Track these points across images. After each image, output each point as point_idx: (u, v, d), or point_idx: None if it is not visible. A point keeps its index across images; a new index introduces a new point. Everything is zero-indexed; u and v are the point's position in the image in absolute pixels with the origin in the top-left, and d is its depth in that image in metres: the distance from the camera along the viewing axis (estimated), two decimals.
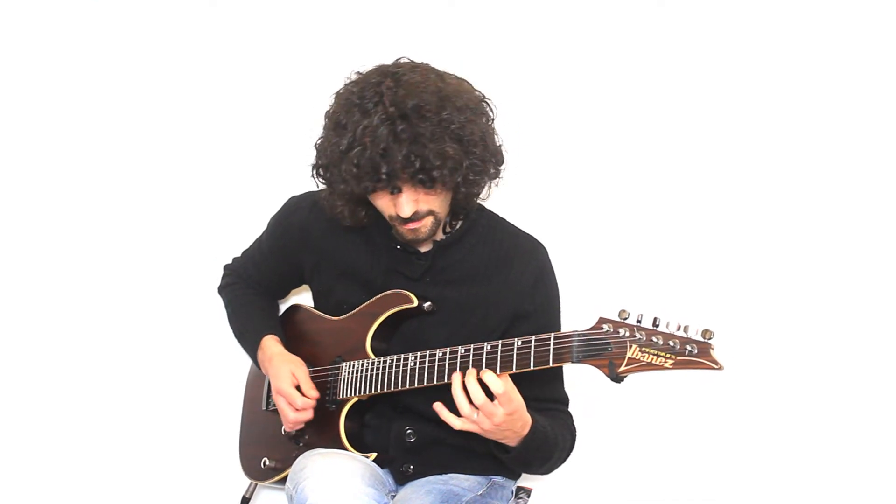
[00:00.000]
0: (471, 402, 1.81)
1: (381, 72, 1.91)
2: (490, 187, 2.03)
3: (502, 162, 2.01)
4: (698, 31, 2.58)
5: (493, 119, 2.00)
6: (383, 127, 1.83)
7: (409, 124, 1.83)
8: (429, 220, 1.96)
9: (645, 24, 2.59)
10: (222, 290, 2.40)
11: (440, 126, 1.84)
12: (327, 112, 1.98)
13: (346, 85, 1.96)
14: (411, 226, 1.96)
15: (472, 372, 1.83)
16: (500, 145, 2.01)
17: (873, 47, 2.54)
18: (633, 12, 2.59)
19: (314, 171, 2.02)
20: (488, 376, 1.80)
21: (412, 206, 1.91)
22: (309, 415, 2.11)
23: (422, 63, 1.97)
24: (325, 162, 1.96)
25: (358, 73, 1.96)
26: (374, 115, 1.84)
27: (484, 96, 2.00)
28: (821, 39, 2.55)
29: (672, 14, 2.58)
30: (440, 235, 2.07)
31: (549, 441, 1.95)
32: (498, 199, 2.13)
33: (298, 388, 2.11)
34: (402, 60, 1.97)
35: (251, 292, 2.34)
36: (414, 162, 1.83)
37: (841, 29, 2.54)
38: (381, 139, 1.83)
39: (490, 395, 1.81)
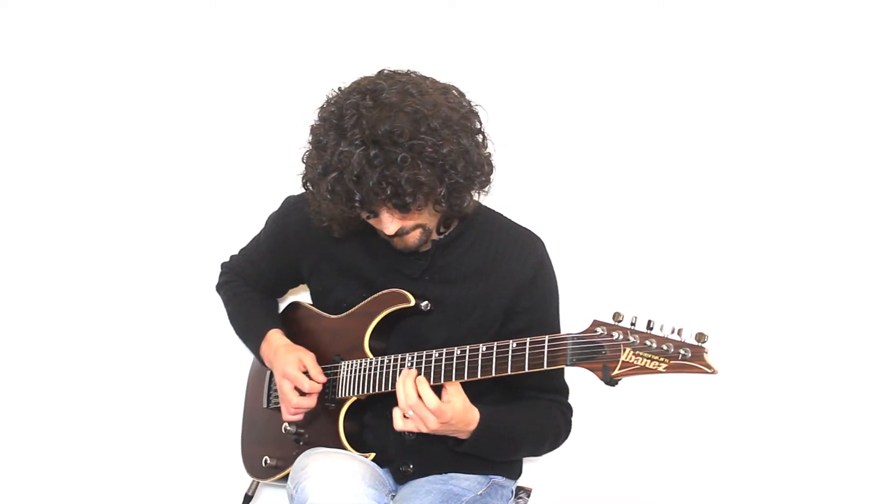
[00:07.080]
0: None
1: (360, 89, 1.88)
2: (479, 195, 2.01)
3: (491, 171, 1.98)
4: (698, 31, 2.57)
5: (480, 129, 1.96)
6: (357, 152, 1.81)
7: (382, 150, 1.81)
8: (417, 233, 1.96)
9: (645, 24, 2.58)
10: (220, 287, 2.40)
11: (412, 151, 1.82)
12: (311, 126, 1.96)
13: (327, 101, 1.93)
14: (398, 240, 1.97)
15: (411, 374, 1.89)
16: (488, 155, 1.98)
17: (873, 47, 2.53)
18: (633, 12, 2.58)
19: (302, 183, 2.02)
20: (423, 388, 1.87)
21: (395, 226, 1.92)
22: (312, 402, 2.11)
23: (405, 74, 1.93)
24: (308, 179, 1.97)
25: (339, 88, 1.93)
26: (350, 138, 1.82)
27: (471, 106, 1.96)
28: (821, 39, 2.54)
29: (672, 14, 2.57)
30: (435, 235, 2.07)
31: (506, 438, 2.01)
32: (494, 198, 2.13)
33: (306, 374, 2.11)
34: (384, 72, 1.93)
35: (250, 289, 2.34)
36: (385, 189, 1.82)
37: (841, 29, 2.53)
38: (355, 166, 1.81)
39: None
